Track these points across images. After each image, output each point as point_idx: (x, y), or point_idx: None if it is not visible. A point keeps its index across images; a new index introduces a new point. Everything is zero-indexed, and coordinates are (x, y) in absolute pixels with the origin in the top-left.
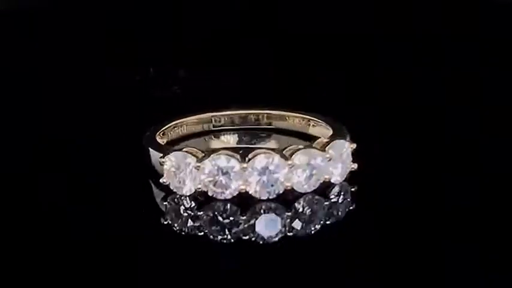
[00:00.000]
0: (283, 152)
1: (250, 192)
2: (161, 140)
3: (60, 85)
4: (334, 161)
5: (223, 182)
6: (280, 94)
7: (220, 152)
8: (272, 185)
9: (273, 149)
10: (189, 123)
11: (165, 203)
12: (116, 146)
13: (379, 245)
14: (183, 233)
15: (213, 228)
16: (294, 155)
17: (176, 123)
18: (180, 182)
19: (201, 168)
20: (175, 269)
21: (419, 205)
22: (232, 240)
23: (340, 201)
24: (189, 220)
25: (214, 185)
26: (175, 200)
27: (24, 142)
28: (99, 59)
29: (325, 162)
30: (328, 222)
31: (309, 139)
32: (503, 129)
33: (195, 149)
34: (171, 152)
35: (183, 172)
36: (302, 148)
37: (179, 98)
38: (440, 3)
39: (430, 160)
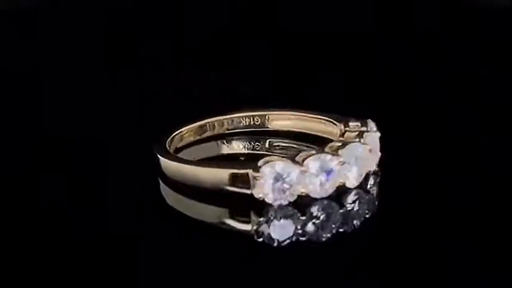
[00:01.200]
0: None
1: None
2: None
3: (61, 85)
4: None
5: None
6: (280, 94)
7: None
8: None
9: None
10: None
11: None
12: (117, 146)
13: (378, 245)
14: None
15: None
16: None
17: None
18: (283, 192)
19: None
20: (177, 267)
21: (419, 205)
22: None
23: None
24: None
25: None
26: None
27: (25, 142)
28: (99, 58)
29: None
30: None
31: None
32: (503, 129)
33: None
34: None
35: (284, 182)
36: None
37: (180, 99)
38: (440, 3)
39: (430, 160)
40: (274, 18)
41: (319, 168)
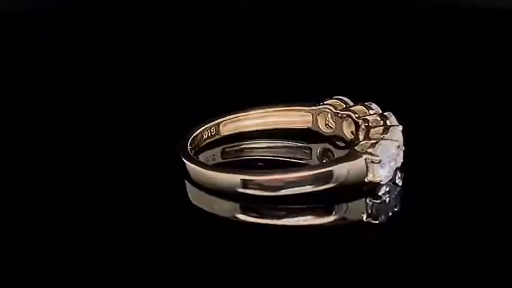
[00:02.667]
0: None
1: None
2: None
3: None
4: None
5: None
6: (280, 93)
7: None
8: None
9: None
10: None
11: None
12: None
13: (378, 245)
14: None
15: None
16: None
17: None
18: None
19: None
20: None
21: (419, 205)
22: None
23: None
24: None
25: None
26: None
27: (27, 142)
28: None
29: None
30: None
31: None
32: (503, 129)
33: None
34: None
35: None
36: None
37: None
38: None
39: (430, 160)
40: (275, 18)
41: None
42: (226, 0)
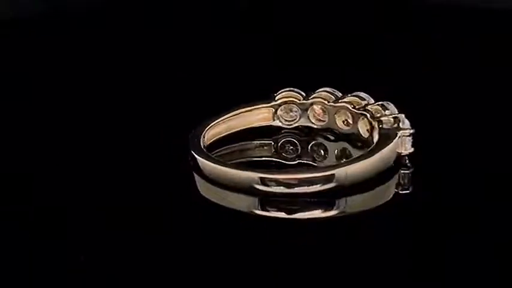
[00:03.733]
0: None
1: None
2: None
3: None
4: None
5: None
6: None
7: None
8: None
9: None
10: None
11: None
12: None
13: (378, 245)
14: None
15: None
16: None
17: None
18: None
19: None
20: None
21: (419, 205)
22: None
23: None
24: None
25: None
26: None
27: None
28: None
29: None
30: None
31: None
32: (503, 129)
33: None
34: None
35: None
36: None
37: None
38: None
39: (430, 160)
40: (275, 17)
41: None
42: (226, 0)
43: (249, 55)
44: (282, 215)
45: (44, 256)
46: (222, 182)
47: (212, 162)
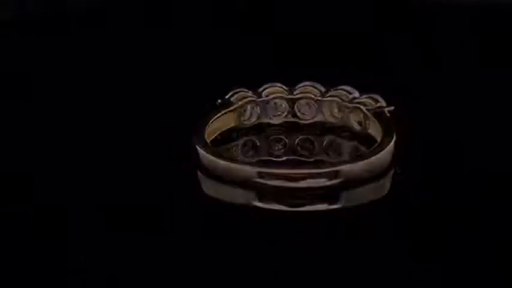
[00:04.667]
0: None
1: None
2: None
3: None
4: None
5: None
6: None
7: None
8: None
9: None
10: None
11: None
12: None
13: (378, 245)
14: None
15: None
16: None
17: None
18: None
19: None
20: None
21: (419, 205)
22: None
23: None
24: None
25: None
26: None
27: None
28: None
29: None
30: None
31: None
32: (503, 129)
33: None
34: None
35: None
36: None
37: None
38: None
39: (429, 160)
40: (274, 17)
41: None
42: (226, 0)
43: (249, 55)
44: (282, 208)
45: (44, 256)
46: (225, 177)
47: (215, 156)
